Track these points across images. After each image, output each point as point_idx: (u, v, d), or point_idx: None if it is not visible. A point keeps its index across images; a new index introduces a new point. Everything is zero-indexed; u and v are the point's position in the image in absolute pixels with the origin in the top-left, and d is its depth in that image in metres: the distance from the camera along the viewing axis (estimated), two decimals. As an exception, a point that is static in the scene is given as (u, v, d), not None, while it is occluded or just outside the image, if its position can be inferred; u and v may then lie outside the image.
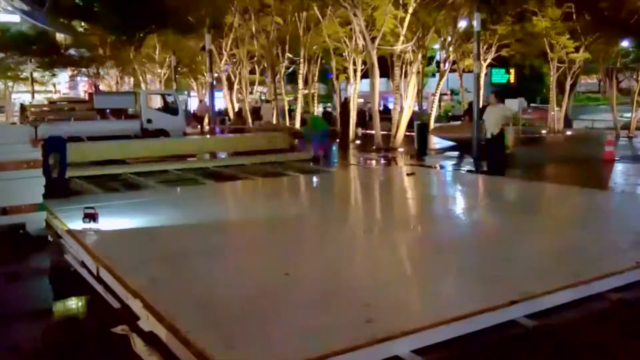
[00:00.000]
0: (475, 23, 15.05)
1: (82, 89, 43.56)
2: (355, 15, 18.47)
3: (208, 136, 22.69)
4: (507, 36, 25.06)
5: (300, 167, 14.04)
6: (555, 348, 3.99)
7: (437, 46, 28.22)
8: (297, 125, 23.75)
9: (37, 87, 36.38)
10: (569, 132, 26.18)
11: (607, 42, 23.09)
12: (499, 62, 30.31)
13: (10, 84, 38.75)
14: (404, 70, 21.52)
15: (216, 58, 26.21)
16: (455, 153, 17.55)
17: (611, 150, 15.14)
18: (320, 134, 16.20)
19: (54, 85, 41.57)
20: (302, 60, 25.12)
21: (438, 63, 30.09)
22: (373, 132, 20.30)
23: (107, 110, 18.97)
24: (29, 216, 7.15)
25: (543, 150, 20.42)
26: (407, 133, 19.51)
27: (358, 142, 21.97)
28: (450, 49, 25.39)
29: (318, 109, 28.39)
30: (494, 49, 26.19)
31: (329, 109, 31.51)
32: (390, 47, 19.97)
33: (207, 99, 24.58)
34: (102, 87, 35.86)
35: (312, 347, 3.56)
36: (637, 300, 4.73)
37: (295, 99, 26.61)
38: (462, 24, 24.21)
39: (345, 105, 24.96)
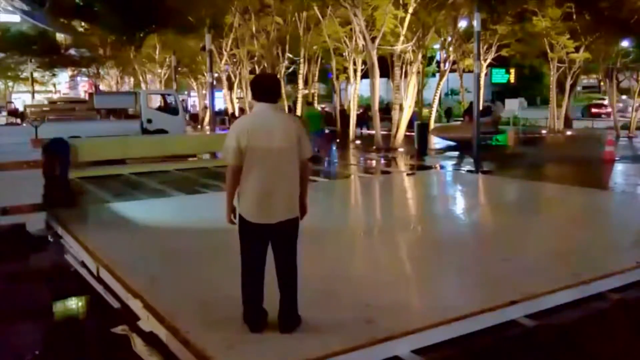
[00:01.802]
0: (475, 23, 15.02)
1: (82, 89, 43.63)
2: (355, 15, 18.47)
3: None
4: (507, 36, 25.09)
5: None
6: (555, 348, 3.98)
7: (437, 46, 28.25)
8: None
9: (37, 87, 36.42)
10: (569, 132, 26.17)
11: (607, 42, 23.07)
12: (499, 62, 30.34)
13: (10, 84, 38.81)
14: (404, 70, 21.52)
15: (216, 58, 26.22)
16: (455, 153, 17.54)
17: (611, 150, 15.13)
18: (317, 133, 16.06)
19: (54, 85, 41.62)
20: (302, 60, 25.12)
21: (438, 63, 30.13)
22: (373, 132, 20.30)
23: (104, 111, 18.94)
24: (29, 216, 7.15)
25: (543, 150, 20.40)
26: (407, 133, 19.52)
27: (358, 142, 21.97)
28: (450, 49, 25.42)
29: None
30: (494, 49, 26.21)
31: (328, 109, 31.50)
32: (390, 47, 19.97)
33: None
34: (102, 87, 35.90)
35: (312, 347, 3.56)
36: (637, 300, 4.73)
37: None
38: (462, 24, 24.22)
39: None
